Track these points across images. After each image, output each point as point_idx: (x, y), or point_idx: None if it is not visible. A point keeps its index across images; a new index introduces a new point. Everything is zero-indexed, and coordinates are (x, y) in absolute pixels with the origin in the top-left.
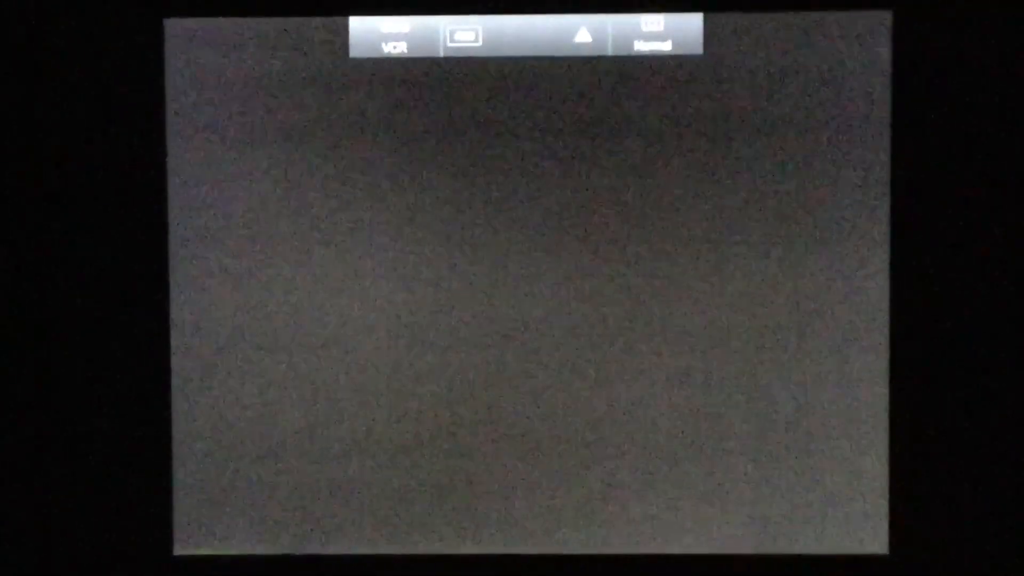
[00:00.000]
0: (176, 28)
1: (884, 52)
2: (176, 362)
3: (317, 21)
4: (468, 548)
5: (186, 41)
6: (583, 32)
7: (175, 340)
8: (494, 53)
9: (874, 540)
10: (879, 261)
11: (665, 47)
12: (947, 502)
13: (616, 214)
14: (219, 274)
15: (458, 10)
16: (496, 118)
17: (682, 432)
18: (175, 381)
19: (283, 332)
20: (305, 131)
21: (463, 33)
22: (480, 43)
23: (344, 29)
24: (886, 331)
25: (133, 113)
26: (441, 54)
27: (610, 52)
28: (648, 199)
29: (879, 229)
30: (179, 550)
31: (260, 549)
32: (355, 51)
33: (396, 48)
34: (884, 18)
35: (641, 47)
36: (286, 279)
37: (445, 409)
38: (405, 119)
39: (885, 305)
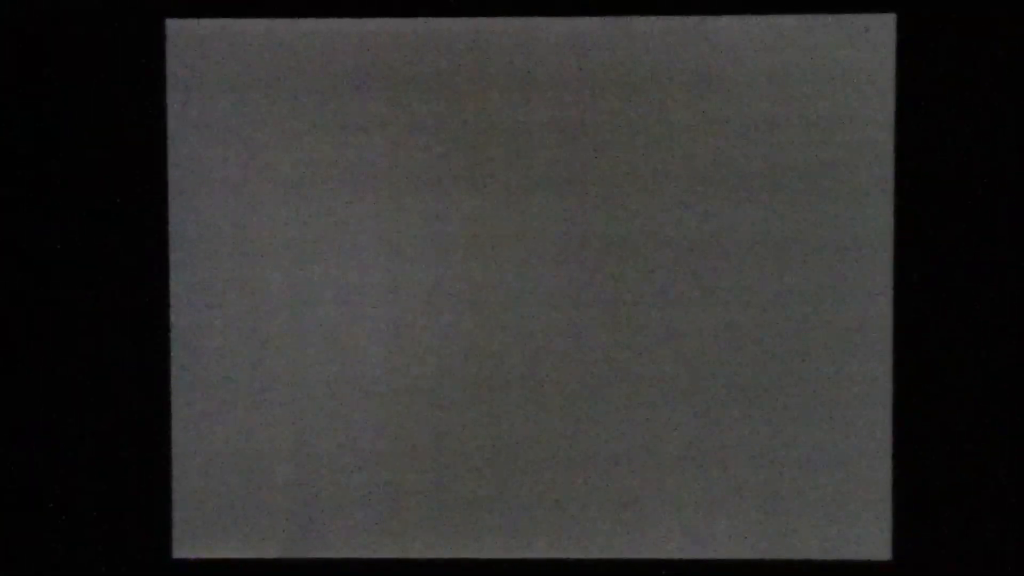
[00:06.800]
0: (177, 29)
1: (887, 56)
2: (176, 364)
3: (320, 23)
4: (467, 553)
5: (188, 42)
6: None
7: (175, 342)
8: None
9: (877, 546)
10: (883, 265)
11: None
12: (952, 507)
13: (613, 217)
14: (220, 277)
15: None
16: (504, 124)
17: (681, 436)
18: (175, 383)
19: (284, 336)
20: (309, 134)
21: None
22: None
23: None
24: (890, 334)
25: (133, 115)
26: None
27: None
28: (645, 201)
29: (883, 233)
30: (178, 553)
31: (260, 553)
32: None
33: None
34: (887, 21)
35: None
36: (288, 283)
37: (446, 414)
38: (415, 119)
39: (889, 308)
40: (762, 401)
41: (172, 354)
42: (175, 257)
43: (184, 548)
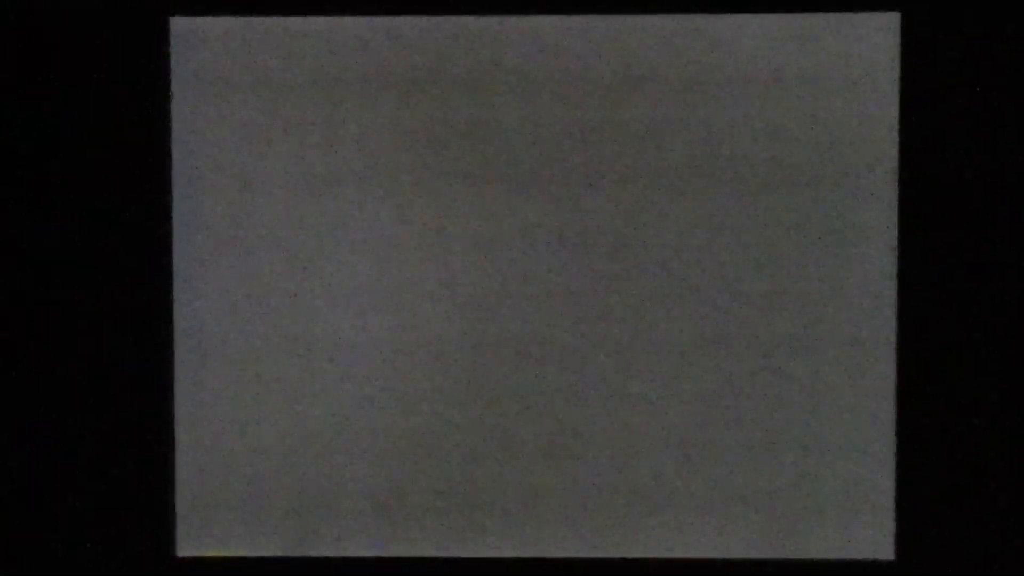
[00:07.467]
0: (182, 27)
1: (891, 55)
2: (179, 362)
3: (326, 21)
4: (471, 552)
5: (192, 40)
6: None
7: (178, 341)
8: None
9: (880, 545)
10: (886, 264)
11: None
12: (955, 507)
13: (613, 216)
14: (223, 276)
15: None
16: (503, 124)
17: (683, 435)
18: (178, 382)
19: (286, 334)
20: (313, 133)
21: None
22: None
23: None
24: (893, 334)
25: (137, 113)
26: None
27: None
28: (645, 205)
29: (887, 235)
30: (182, 552)
31: (263, 551)
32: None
33: None
34: (891, 20)
35: None
36: (291, 281)
37: (447, 412)
38: (421, 120)
39: (892, 309)
40: (765, 399)
41: (175, 353)
42: (179, 255)
43: (187, 546)
